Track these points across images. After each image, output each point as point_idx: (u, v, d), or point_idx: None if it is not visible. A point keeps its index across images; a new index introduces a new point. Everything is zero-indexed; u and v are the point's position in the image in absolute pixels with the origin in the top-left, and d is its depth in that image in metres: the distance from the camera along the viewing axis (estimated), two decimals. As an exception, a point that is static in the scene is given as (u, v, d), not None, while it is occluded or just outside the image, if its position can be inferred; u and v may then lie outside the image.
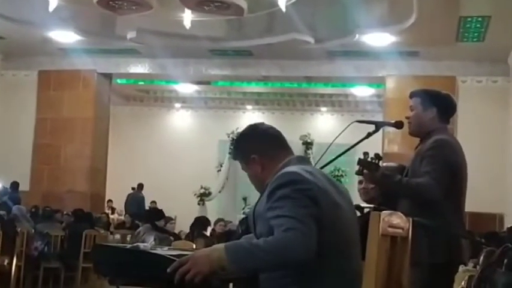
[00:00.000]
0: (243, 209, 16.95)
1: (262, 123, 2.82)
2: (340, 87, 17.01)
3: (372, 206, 3.53)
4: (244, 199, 17.51)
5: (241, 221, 10.51)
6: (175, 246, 6.16)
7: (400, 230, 2.54)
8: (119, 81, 16.28)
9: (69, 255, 10.03)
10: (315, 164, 3.54)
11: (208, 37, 11.94)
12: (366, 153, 3.53)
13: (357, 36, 11.28)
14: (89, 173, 13.67)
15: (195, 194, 17.95)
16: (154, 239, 8.14)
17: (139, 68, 14.06)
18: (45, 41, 12.59)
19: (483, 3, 9.68)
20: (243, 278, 2.53)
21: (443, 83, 10.88)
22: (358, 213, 3.43)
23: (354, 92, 17.13)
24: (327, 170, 3.23)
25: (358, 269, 2.53)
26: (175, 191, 17.16)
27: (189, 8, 9.82)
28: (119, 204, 17.21)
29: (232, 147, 3.07)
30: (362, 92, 16.84)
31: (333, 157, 3.58)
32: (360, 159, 3.52)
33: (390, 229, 2.49)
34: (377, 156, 3.52)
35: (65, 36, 12.29)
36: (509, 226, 8.67)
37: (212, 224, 10.56)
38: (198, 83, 17.08)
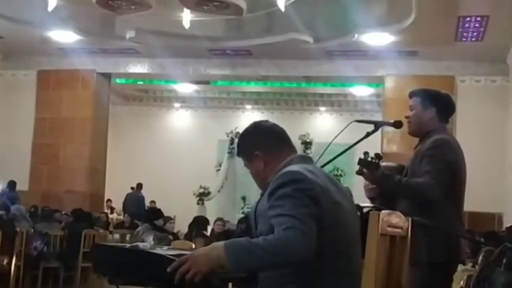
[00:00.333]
0: (242, 208, 16.96)
1: (267, 121, 2.83)
2: (339, 87, 17.03)
3: (371, 205, 3.53)
4: (243, 198, 17.52)
5: (240, 220, 10.52)
6: (174, 246, 6.17)
7: (399, 230, 2.54)
8: (118, 81, 16.29)
9: (68, 254, 10.03)
10: (314, 163, 3.55)
11: (207, 37, 11.94)
12: (366, 153, 3.53)
13: (356, 35, 11.28)
14: (88, 172, 13.67)
15: (194, 194, 17.94)
16: (153, 239, 8.14)
17: (138, 67, 14.06)
18: (44, 41, 12.59)
19: (482, 3, 9.68)
20: (243, 278, 2.53)
21: (442, 82, 10.89)
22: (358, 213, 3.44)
23: (353, 91, 17.14)
24: (326, 169, 3.23)
25: (358, 269, 2.53)
26: (175, 191, 17.17)
27: (188, 7, 9.82)
28: (118, 204, 17.20)
29: (236, 143, 3.09)
30: (361, 91, 16.85)
31: (332, 157, 3.59)
32: (360, 159, 3.52)
33: (389, 228, 2.49)
34: (377, 156, 3.53)
35: (64, 36, 12.28)
36: (508, 225, 8.67)
37: (211, 223, 10.57)
38: (197, 82, 17.09)
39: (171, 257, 2.39)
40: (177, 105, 19.80)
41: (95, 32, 12.30)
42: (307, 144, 17.85)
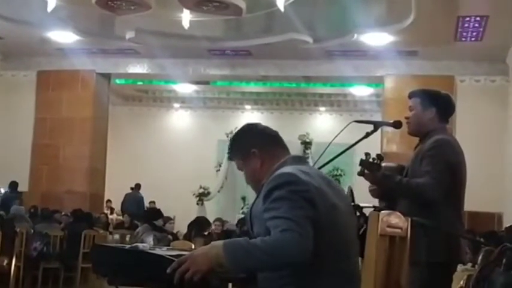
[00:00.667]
0: (242, 208, 16.96)
1: (259, 123, 2.85)
2: (338, 87, 17.02)
3: (371, 205, 3.53)
4: (243, 199, 17.51)
5: (240, 221, 10.53)
6: (174, 246, 6.17)
7: (398, 230, 2.55)
8: (117, 81, 16.28)
9: (68, 255, 10.03)
10: (314, 163, 3.55)
11: (207, 37, 11.94)
12: (367, 154, 3.52)
13: (356, 35, 11.28)
14: (88, 173, 13.67)
15: (194, 194, 17.95)
16: (153, 239, 8.14)
17: (138, 68, 14.06)
18: (44, 41, 12.59)
19: (481, 3, 9.69)
20: (242, 278, 2.54)
21: (442, 82, 10.90)
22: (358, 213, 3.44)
23: (352, 91, 17.14)
24: (325, 169, 3.24)
25: (356, 269, 2.53)
26: (174, 191, 17.17)
27: (187, 8, 9.82)
28: (118, 204, 17.19)
29: (229, 145, 3.01)
30: (361, 91, 16.85)
31: (332, 157, 3.59)
32: (361, 160, 3.51)
33: (389, 229, 2.49)
34: (379, 156, 3.52)
35: (63, 36, 12.28)
36: (507, 225, 8.67)
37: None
38: (197, 83, 17.09)
39: (171, 257, 2.39)
40: (176, 105, 19.79)
41: (94, 33, 12.30)
42: (306, 144, 17.85)
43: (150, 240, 7.99)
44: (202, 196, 18.16)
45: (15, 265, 9.08)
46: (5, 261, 8.94)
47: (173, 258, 2.37)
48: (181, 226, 12.32)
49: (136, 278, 2.52)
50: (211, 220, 10.35)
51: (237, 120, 18.54)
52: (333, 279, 2.42)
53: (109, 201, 16.98)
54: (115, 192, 16.59)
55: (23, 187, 13.23)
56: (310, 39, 11.62)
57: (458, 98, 11.11)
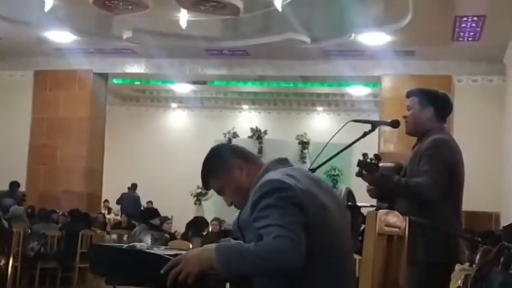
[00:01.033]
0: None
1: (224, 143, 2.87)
2: (336, 87, 17.03)
3: (369, 205, 3.53)
4: (241, 199, 17.48)
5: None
6: (171, 246, 6.16)
7: (396, 229, 2.54)
8: (115, 81, 16.27)
9: (65, 255, 10.01)
10: (311, 164, 3.54)
11: (204, 37, 11.93)
12: (365, 155, 3.51)
13: (353, 35, 11.29)
14: (85, 173, 13.65)
15: (191, 194, 17.92)
16: (151, 238, 8.13)
17: (135, 67, 14.05)
18: (41, 41, 12.57)
19: (478, 3, 9.70)
20: (240, 278, 2.53)
21: (439, 82, 10.92)
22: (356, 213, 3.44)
23: (350, 91, 17.15)
24: (323, 169, 3.24)
25: (349, 268, 2.52)
26: (172, 191, 17.15)
27: (185, 7, 9.81)
28: (115, 204, 17.20)
29: (203, 172, 2.84)
30: (358, 91, 16.86)
31: (329, 157, 3.58)
32: (359, 160, 3.50)
33: (387, 228, 2.49)
34: (376, 157, 3.51)
35: (60, 36, 12.27)
36: (505, 224, 8.67)
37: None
38: (194, 82, 17.09)
39: (168, 257, 2.39)
40: (174, 105, 19.79)
41: (91, 32, 12.29)
42: (304, 144, 17.82)
43: (147, 239, 7.99)
44: (199, 196, 18.12)
45: (12, 265, 9.07)
46: (2, 261, 8.93)
47: (171, 258, 2.37)
48: (179, 226, 12.31)
49: (134, 277, 2.52)
50: (209, 220, 10.35)
51: (234, 121, 18.57)
52: (327, 280, 2.40)
53: (106, 201, 16.98)
54: (112, 192, 16.59)
55: (20, 187, 13.21)
56: (307, 39, 11.63)
57: (455, 97, 11.10)
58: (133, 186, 16.80)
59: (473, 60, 12.26)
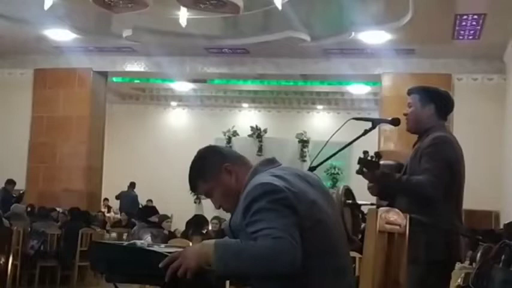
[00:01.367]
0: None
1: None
2: (336, 85, 17.02)
3: (369, 203, 3.52)
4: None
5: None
6: (171, 244, 6.15)
7: (397, 227, 2.54)
8: (114, 79, 16.25)
9: (65, 253, 10.02)
10: (311, 162, 3.54)
11: (204, 35, 11.92)
12: (366, 152, 3.50)
13: (353, 34, 11.27)
14: (85, 171, 13.64)
15: (191, 192, 17.89)
16: (150, 236, 8.13)
17: (135, 66, 14.02)
18: (40, 39, 12.55)
19: (479, 1, 9.68)
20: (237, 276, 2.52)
21: (439, 80, 10.91)
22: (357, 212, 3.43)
23: (350, 90, 17.14)
24: (323, 168, 3.23)
25: (347, 264, 2.51)
26: (172, 189, 17.08)
27: (184, 5, 9.79)
28: (116, 202, 17.20)
29: (190, 176, 2.82)
30: (358, 89, 16.85)
31: (329, 155, 3.57)
32: (360, 158, 3.49)
33: (388, 226, 2.49)
34: (377, 154, 3.50)
35: (60, 34, 12.25)
36: (506, 222, 8.66)
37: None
38: (194, 81, 17.07)
39: (169, 254, 2.38)
40: (173, 103, 19.78)
41: (91, 31, 12.27)
42: (304, 142, 17.85)
43: (147, 237, 7.98)
44: (199, 194, 18.12)
45: (12, 263, 9.07)
46: (2, 260, 8.92)
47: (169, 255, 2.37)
48: (178, 224, 12.31)
49: (134, 274, 2.51)
50: (208, 218, 10.34)
51: (234, 119, 18.57)
52: (323, 278, 2.39)
53: (106, 199, 16.98)
54: (112, 191, 16.60)
55: (20, 186, 13.21)
56: (307, 38, 11.62)
57: (455, 96, 10.93)
58: (132, 185, 16.80)
59: (473, 58, 12.25)
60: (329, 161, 3.60)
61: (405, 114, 3.79)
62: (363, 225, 3.25)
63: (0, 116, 13.86)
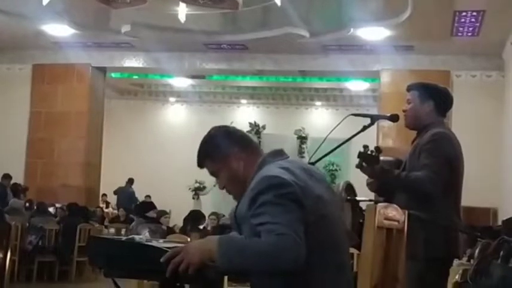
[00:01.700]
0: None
1: (227, 126, 2.76)
2: (335, 82, 17.00)
3: (367, 199, 3.52)
4: (239, 193, 17.47)
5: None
6: (170, 240, 6.15)
7: (396, 223, 2.54)
8: (113, 75, 16.23)
9: (63, 249, 10.02)
10: (310, 158, 3.53)
11: (203, 31, 11.91)
12: (366, 147, 3.48)
13: (352, 30, 11.27)
14: (83, 167, 13.64)
15: (189, 188, 17.92)
16: (148, 232, 8.12)
17: (133, 61, 14.01)
18: (39, 35, 12.53)
19: (478, -2, 9.69)
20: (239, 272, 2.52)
21: (438, 77, 10.86)
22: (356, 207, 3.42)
23: (348, 86, 17.13)
24: (321, 164, 3.23)
25: (346, 260, 2.50)
26: (170, 185, 17.15)
27: (183, 1, 9.78)
28: (114, 198, 17.20)
29: (200, 151, 2.80)
30: (357, 86, 16.84)
31: (328, 151, 3.56)
32: (360, 152, 3.47)
33: (386, 221, 2.49)
34: (377, 149, 3.48)
35: (59, 29, 12.23)
36: (505, 218, 8.66)
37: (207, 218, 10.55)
38: (193, 77, 17.05)
39: (168, 249, 2.38)
40: (172, 99, 19.76)
41: (90, 26, 12.26)
42: (302, 139, 17.85)
43: (145, 233, 7.97)
44: (198, 190, 18.14)
45: (10, 259, 9.04)
46: (0, 255, 8.91)
47: (170, 251, 2.36)
48: (177, 220, 12.32)
49: (132, 270, 2.51)
50: (207, 214, 10.35)
51: (232, 115, 18.54)
52: (323, 273, 2.38)
53: (104, 195, 16.98)
54: (110, 187, 16.60)
55: (18, 181, 13.18)
56: (306, 34, 11.61)
57: (454, 93, 10.89)
58: (130, 181, 16.80)
59: (472, 55, 12.25)
60: (327, 158, 3.59)
61: (404, 111, 3.78)
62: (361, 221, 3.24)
63: (-2, 111, 13.85)
